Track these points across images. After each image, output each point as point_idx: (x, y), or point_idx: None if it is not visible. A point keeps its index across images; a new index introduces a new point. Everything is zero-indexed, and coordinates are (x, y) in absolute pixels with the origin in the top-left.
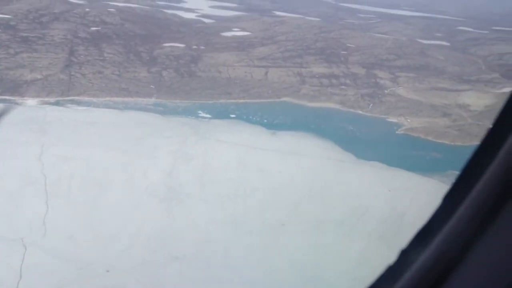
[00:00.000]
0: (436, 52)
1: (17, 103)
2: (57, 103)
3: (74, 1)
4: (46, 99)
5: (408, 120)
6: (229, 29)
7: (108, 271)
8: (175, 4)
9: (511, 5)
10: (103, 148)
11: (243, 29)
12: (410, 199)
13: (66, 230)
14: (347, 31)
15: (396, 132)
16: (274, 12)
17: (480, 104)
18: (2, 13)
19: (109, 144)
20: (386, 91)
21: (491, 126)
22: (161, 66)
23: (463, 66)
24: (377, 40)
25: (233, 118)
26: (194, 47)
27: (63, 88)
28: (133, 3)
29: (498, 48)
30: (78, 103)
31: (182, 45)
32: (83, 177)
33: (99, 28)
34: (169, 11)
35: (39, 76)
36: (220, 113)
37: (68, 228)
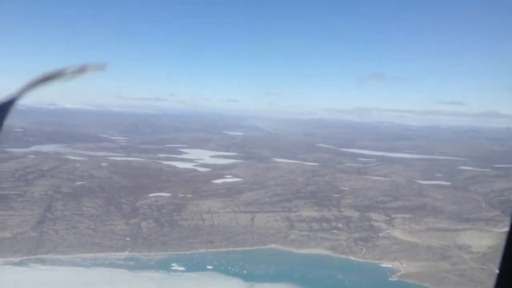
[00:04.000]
0: (435, 192)
1: None
2: (20, 263)
3: (73, 157)
4: (11, 259)
5: (404, 265)
6: (222, 176)
7: None
8: (176, 156)
9: (511, 143)
10: None
11: (235, 176)
12: None
13: None
14: (341, 174)
15: (390, 279)
16: (273, 158)
17: (482, 245)
18: None
19: None
20: (380, 234)
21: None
22: (141, 217)
23: (462, 205)
24: (372, 183)
25: (210, 270)
26: (181, 195)
27: (31, 247)
28: (133, 157)
29: (499, 185)
30: (43, 262)
31: (168, 194)
32: None
33: (85, 182)
34: (166, 162)
35: (8, 235)
36: (197, 265)
37: None
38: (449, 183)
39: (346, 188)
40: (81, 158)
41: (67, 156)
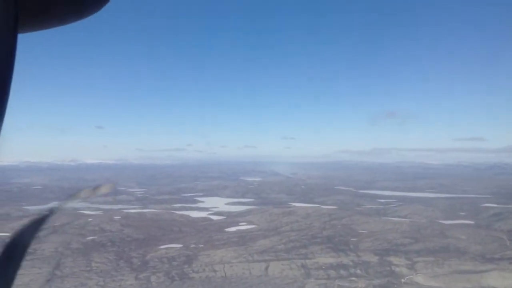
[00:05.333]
0: (458, 231)
1: None
2: None
3: (88, 212)
4: None
5: None
6: (236, 224)
7: None
8: (191, 205)
9: None
10: None
11: (249, 223)
12: None
13: None
14: (359, 216)
15: None
16: (289, 203)
17: (507, 286)
18: (3, 232)
19: None
20: (402, 280)
21: None
22: (151, 271)
23: (486, 244)
24: (392, 224)
25: None
26: (192, 246)
27: None
28: (148, 208)
29: None
30: None
31: (179, 246)
32: None
33: (95, 237)
34: (180, 212)
35: None
36: None
37: None
38: (472, 222)
39: (365, 231)
40: (95, 212)
41: (83, 211)
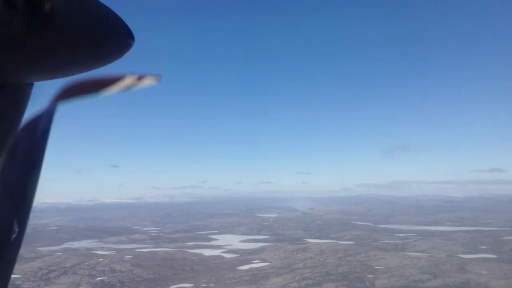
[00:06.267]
0: (479, 266)
1: None
2: None
3: (100, 252)
4: None
5: None
6: (248, 262)
7: None
8: (204, 243)
9: None
10: None
11: (263, 260)
12: None
13: None
14: (376, 252)
15: None
16: (305, 239)
17: None
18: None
19: None
20: None
21: None
22: None
23: (508, 279)
24: (409, 260)
25: None
26: (203, 285)
27: None
28: (161, 247)
29: None
30: None
31: (190, 285)
32: None
33: (105, 277)
34: (192, 251)
35: None
36: None
37: None
38: (494, 256)
39: (381, 267)
40: (108, 253)
41: (95, 251)
